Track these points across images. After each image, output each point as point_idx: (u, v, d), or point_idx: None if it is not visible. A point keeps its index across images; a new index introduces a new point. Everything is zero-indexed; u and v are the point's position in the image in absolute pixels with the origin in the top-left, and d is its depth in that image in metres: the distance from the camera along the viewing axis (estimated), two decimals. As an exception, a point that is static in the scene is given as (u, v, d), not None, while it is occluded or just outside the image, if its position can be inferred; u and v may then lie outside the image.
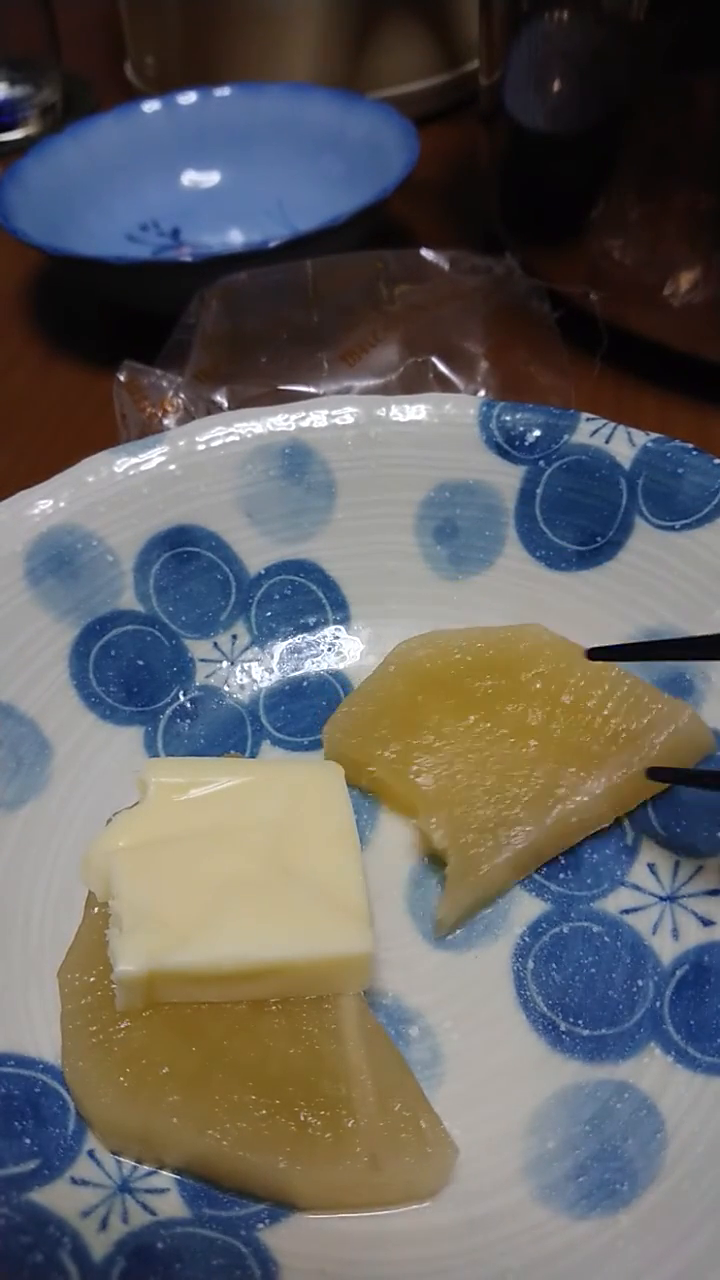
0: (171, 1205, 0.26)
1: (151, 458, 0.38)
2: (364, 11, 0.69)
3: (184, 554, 0.38)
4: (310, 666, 0.39)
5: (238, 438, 0.38)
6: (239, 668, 0.38)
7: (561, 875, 0.33)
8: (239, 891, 0.30)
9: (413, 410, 0.39)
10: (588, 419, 0.37)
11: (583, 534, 0.37)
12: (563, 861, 0.33)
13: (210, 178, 0.66)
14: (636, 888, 0.32)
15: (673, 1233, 0.25)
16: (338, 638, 0.39)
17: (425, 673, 0.35)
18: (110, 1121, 0.27)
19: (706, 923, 0.31)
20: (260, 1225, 0.26)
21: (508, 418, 0.38)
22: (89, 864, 0.31)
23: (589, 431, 0.37)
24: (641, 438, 0.37)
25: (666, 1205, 0.25)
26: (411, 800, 0.33)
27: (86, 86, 0.84)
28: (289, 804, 0.32)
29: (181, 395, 0.46)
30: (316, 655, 0.39)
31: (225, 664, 0.38)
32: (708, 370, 0.49)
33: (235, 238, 0.64)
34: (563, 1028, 0.30)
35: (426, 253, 0.50)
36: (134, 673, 0.37)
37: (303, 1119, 0.26)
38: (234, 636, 0.38)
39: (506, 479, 0.38)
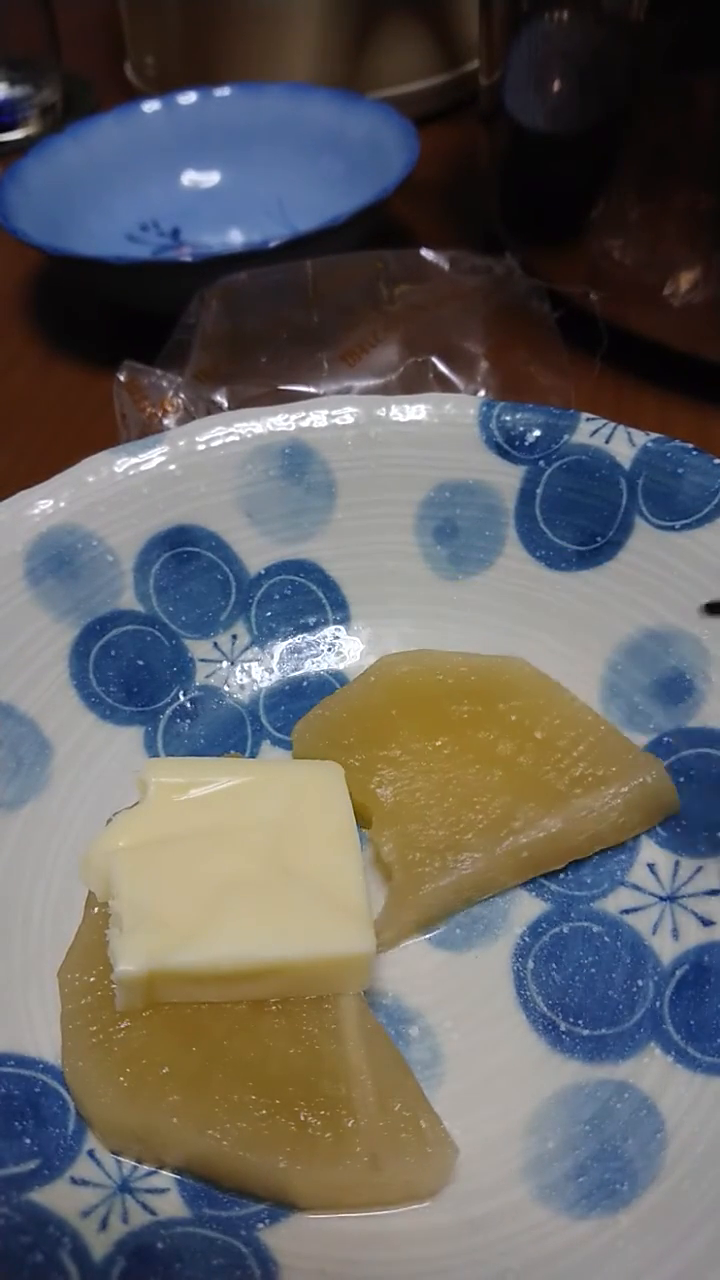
0: (171, 1205, 0.26)
1: (151, 458, 0.38)
2: (364, 11, 0.69)
3: (184, 554, 0.38)
4: (310, 666, 0.39)
5: (238, 438, 0.38)
6: (239, 668, 0.38)
7: (561, 875, 0.33)
8: (239, 891, 0.30)
9: (413, 410, 0.39)
10: (588, 419, 0.37)
11: (583, 534, 0.37)
12: (563, 861, 0.33)
13: (210, 178, 0.66)
14: (636, 888, 0.32)
15: (673, 1233, 0.25)
16: (338, 638, 0.39)
17: (405, 688, 0.35)
18: (110, 1121, 0.27)
19: (706, 923, 0.31)
20: (260, 1225, 0.26)
21: (508, 418, 0.38)
22: (89, 864, 0.31)
23: (589, 431, 0.37)
24: (641, 438, 0.37)
25: (666, 1205, 0.25)
26: (368, 811, 0.33)
27: (86, 86, 0.84)
28: (289, 804, 0.32)
29: (181, 395, 0.46)
30: (316, 655, 0.39)
31: (225, 664, 0.38)
32: (708, 370, 0.49)
33: (235, 238, 0.64)
34: (563, 1028, 0.30)
35: (426, 253, 0.50)
36: (134, 673, 0.37)
37: (303, 1119, 0.26)
38: (234, 636, 0.38)
39: (506, 479, 0.38)
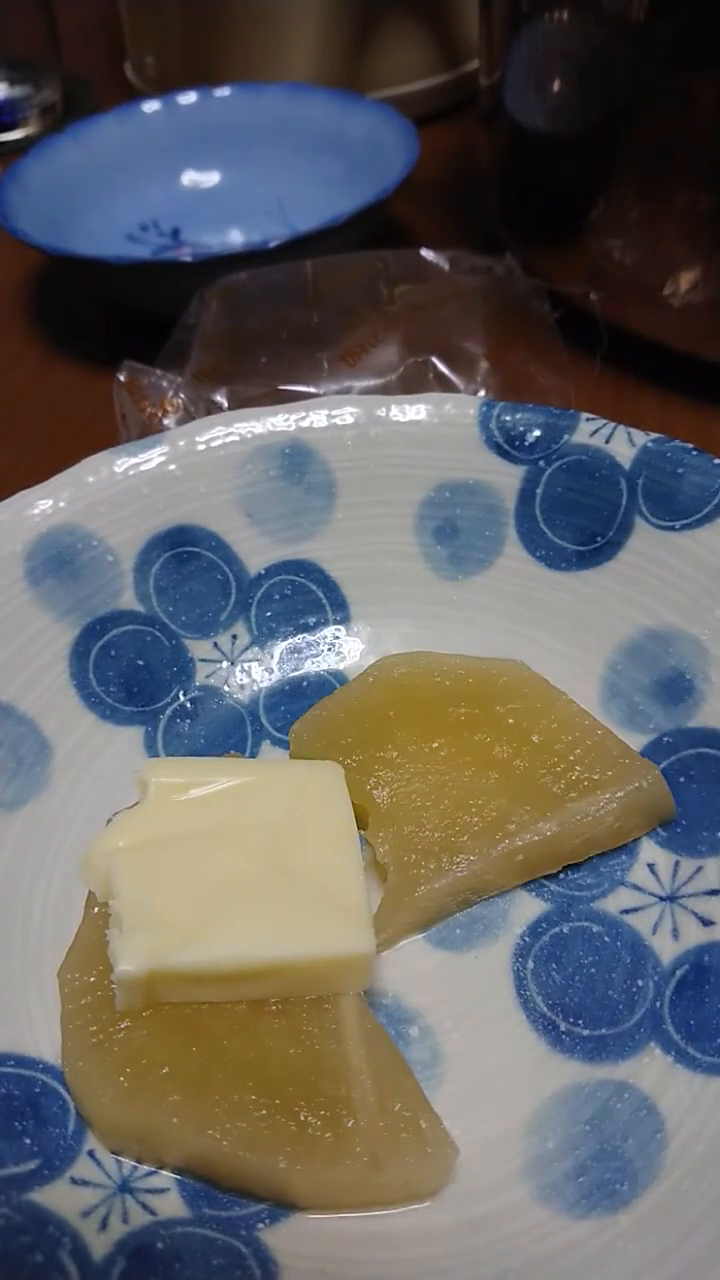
0: (171, 1205, 0.26)
1: (151, 458, 0.38)
2: (364, 11, 0.69)
3: (184, 554, 0.38)
4: (310, 666, 0.39)
5: (238, 438, 0.38)
6: (239, 668, 0.38)
7: (561, 875, 0.33)
8: (239, 891, 0.30)
9: (413, 410, 0.39)
10: (588, 419, 0.37)
11: (583, 534, 0.37)
12: (563, 861, 0.33)
13: (210, 178, 0.66)
14: (636, 888, 0.32)
15: (673, 1233, 0.25)
16: (338, 638, 0.39)
17: (403, 690, 0.35)
18: (110, 1121, 0.27)
19: (706, 923, 0.31)
20: (260, 1225, 0.26)
21: (508, 418, 0.38)
22: (89, 864, 0.31)
23: (589, 431, 0.37)
24: (641, 438, 0.37)
25: (666, 1205, 0.25)
26: (364, 811, 0.33)
27: (86, 86, 0.84)
28: (289, 804, 0.32)
29: (181, 395, 0.46)
30: (316, 655, 0.39)
31: (225, 664, 0.38)
32: (708, 370, 0.49)
33: (235, 238, 0.64)
34: (563, 1028, 0.30)
35: (426, 253, 0.50)
36: (134, 673, 0.37)
37: (303, 1119, 0.26)
38: (234, 636, 0.38)
39: (506, 479, 0.38)
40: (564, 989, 0.30)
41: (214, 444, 0.38)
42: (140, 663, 0.37)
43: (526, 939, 0.32)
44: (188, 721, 0.37)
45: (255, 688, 0.38)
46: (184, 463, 0.38)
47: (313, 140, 0.64)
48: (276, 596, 0.39)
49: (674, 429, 0.40)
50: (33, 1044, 0.29)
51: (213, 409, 0.46)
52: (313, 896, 0.30)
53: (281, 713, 0.38)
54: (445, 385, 0.47)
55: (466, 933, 0.32)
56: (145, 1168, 0.27)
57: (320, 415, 0.39)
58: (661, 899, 0.32)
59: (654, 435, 0.36)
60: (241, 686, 0.38)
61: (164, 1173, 0.27)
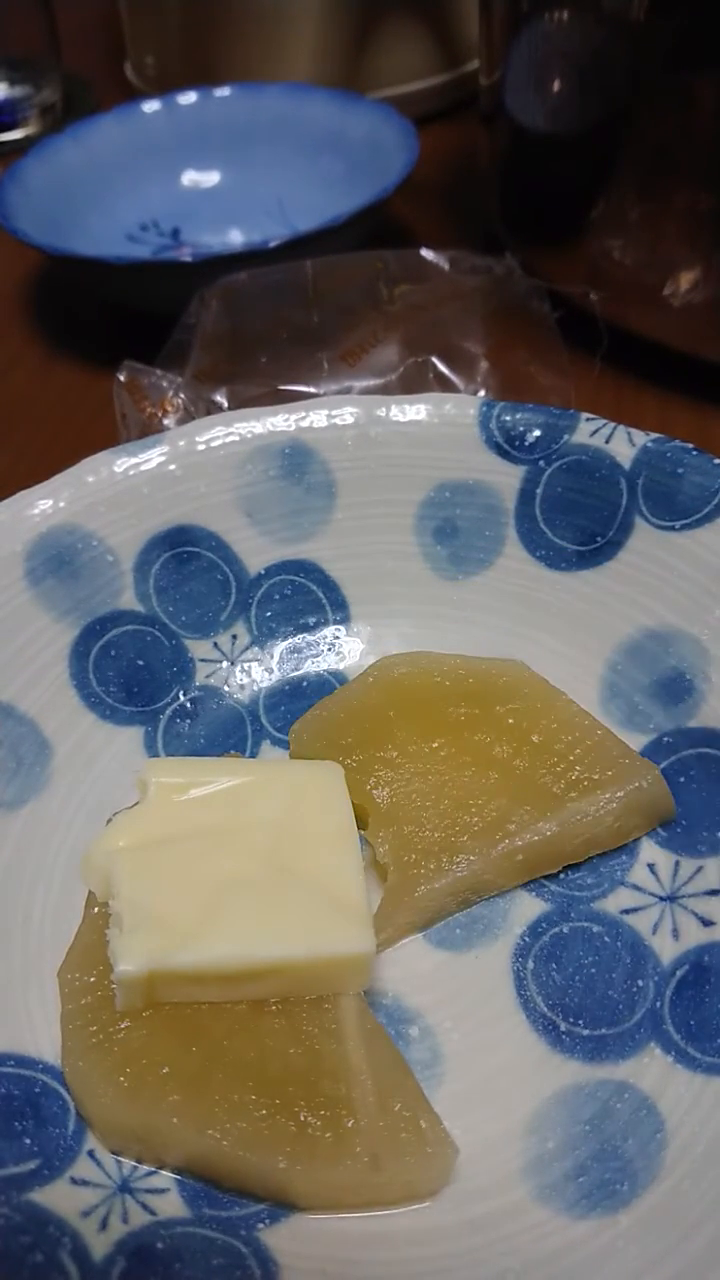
0: (171, 1205, 0.26)
1: (151, 458, 0.38)
2: (364, 12, 0.69)
3: (184, 554, 0.38)
4: (310, 666, 0.39)
5: (238, 438, 0.38)
6: (239, 668, 0.38)
7: (561, 875, 0.33)
8: (239, 891, 0.30)
9: (413, 410, 0.39)
10: (588, 419, 0.37)
11: (583, 534, 0.37)
12: (563, 861, 0.33)
13: (210, 178, 0.66)
14: (636, 888, 0.32)
15: (673, 1233, 0.25)
16: (338, 638, 0.39)
17: (403, 690, 0.35)
18: (110, 1121, 0.27)
19: (706, 923, 0.31)
20: (260, 1225, 0.26)
21: (508, 418, 0.38)
22: (89, 864, 0.31)
23: (589, 431, 0.37)
24: (641, 438, 0.37)
25: (666, 1205, 0.25)
26: (364, 811, 0.33)
27: (86, 86, 0.84)
28: (289, 804, 0.32)
29: (181, 395, 0.46)
30: (316, 655, 0.39)
31: (225, 664, 0.38)
32: (708, 370, 0.49)
33: (235, 238, 0.64)
34: (563, 1028, 0.30)
35: (426, 253, 0.50)
36: (134, 673, 0.37)
37: (303, 1119, 0.26)
38: (234, 636, 0.38)
39: (506, 479, 0.38)
40: (564, 989, 0.30)
41: (214, 444, 0.38)
42: (140, 663, 0.37)
43: (526, 939, 0.32)
44: (188, 721, 0.37)
45: (255, 688, 0.38)
46: (184, 463, 0.38)
47: (313, 140, 0.64)
48: (276, 596, 0.39)
49: (674, 429, 0.40)
50: (33, 1044, 0.29)
51: (213, 409, 0.46)
52: (313, 896, 0.30)
53: (281, 713, 0.38)
54: (445, 385, 0.47)
55: (466, 933, 0.32)
56: (145, 1168, 0.27)
57: (320, 415, 0.39)
58: (661, 899, 0.32)
59: (654, 435, 0.36)
60: (241, 686, 0.38)
61: (164, 1173, 0.27)
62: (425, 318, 0.48)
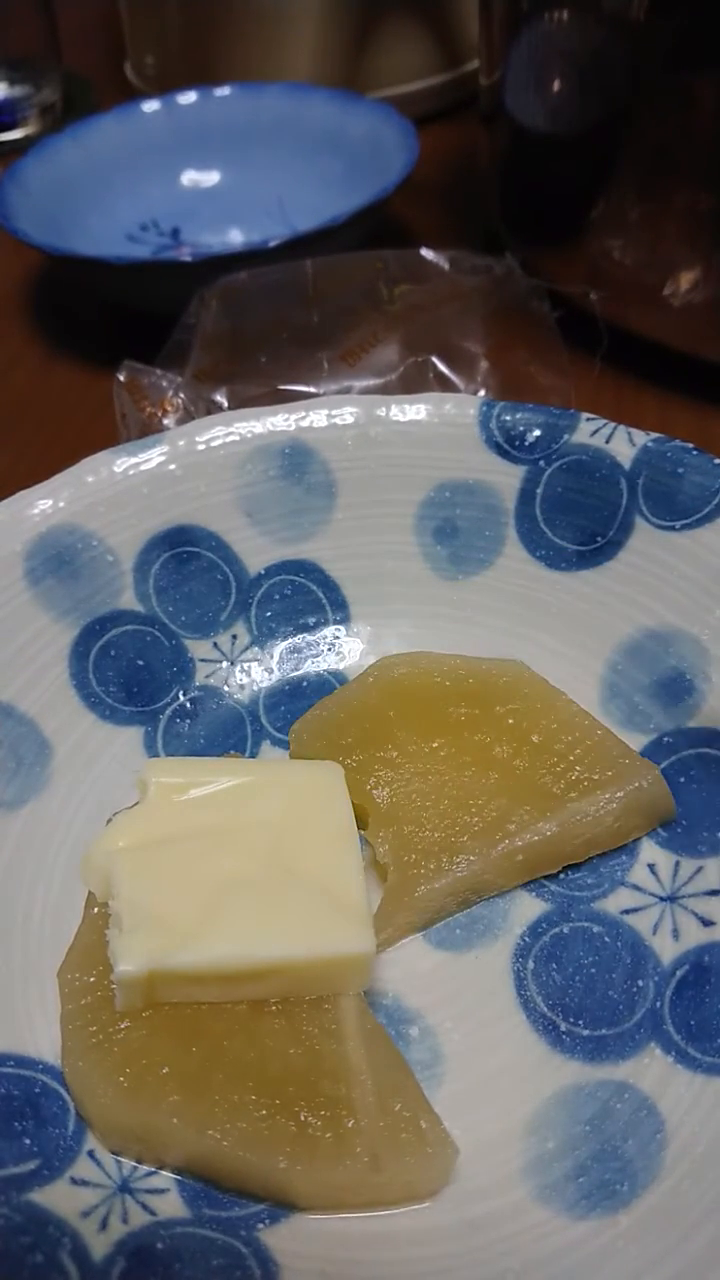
0: (171, 1205, 0.26)
1: (151, 458, 0.38)
2: (364, 11, 0.69)
3: (184, 554, 0.38)
4: (310, 666, 0.39)
5: (238, 438, 0.38)
6: (239, 668, 0.38)
7: (561, 875, 0.33)
8: (239, 891, 0.30)
9: (413, 410, 0.39)
10: (588, 419, 0.37)
11: (583, 534, 0.37)
12: (563, 861, 0.33)
13: (210, 178, 0.66)
14: (636, 888, 0.32)
15: (673, 1233, 0.25)
16: (338, 638, 0.39)
17: (403, 690, 0.35)
18: (110, 1121, 0.27)
19: (706, 923, 0.31)
20: (260, 1225, 0.26)
21: (508, 418, 0.38)
22: (89, 864, 0.31)
23: (589, 431, 0.37)
24: (641, 437, 0.37)
25: (666, 1205, 0.25)
26: (364, 811, 0.33)
27: (86, 86, 0.84)
28: (289, 804, 0.32)
29: (181, 395, 0.46)
30: (316, 655, 0.39)
31: (225, 664, 0.38)
32: (708, 370, 0.49)
33: (235, 238, 0.64)
34: (563, 1028, 0.30)
35: (426, 253, 0.50)
36: (134, 673, 0.37)
37: (303, 1119, 0.26)
38: (234, 636, 0.38)
39: (506, 479, 0.38)
40: (564, 989, 0.30)
41: (214, 444, 0.38)
42: (140, 663, 0.37)
43: (526, 939, 0.32)
44: (188, 721, 0.37)
45: (255, 688, 0.38)
46: (184, 463, 0.38)
47: (312, 140, 0.64)
48: (276, 596, 0.39)
49: (674, 429, 0.40)
50: (33, 1044, 0.29)
51: (213, 409, 0.46)
52: (313, 896, 0.30)
53: (281, 713, 0.38)
54: (445, 385, 0.47)
55: (466, 933, 0.32)
56: (145, 1168, 0.27)
57: (320, 415, 0.39)
58: (662, 899, 0.32)
59: (654, 435, 0.36)
60: (241, 686, 0.38)
61: (164, 1173, 0.27)
62: (425, 318, 0.48)
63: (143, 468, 0.38)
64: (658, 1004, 0.30)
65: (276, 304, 0.49)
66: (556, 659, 0.37)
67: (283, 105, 0.65)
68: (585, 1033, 0.29)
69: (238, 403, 0.46)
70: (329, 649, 0.39)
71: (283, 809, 0.32)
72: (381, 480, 0.39)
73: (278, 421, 0.39)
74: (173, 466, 0.38)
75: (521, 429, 0.38)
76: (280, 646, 0.39)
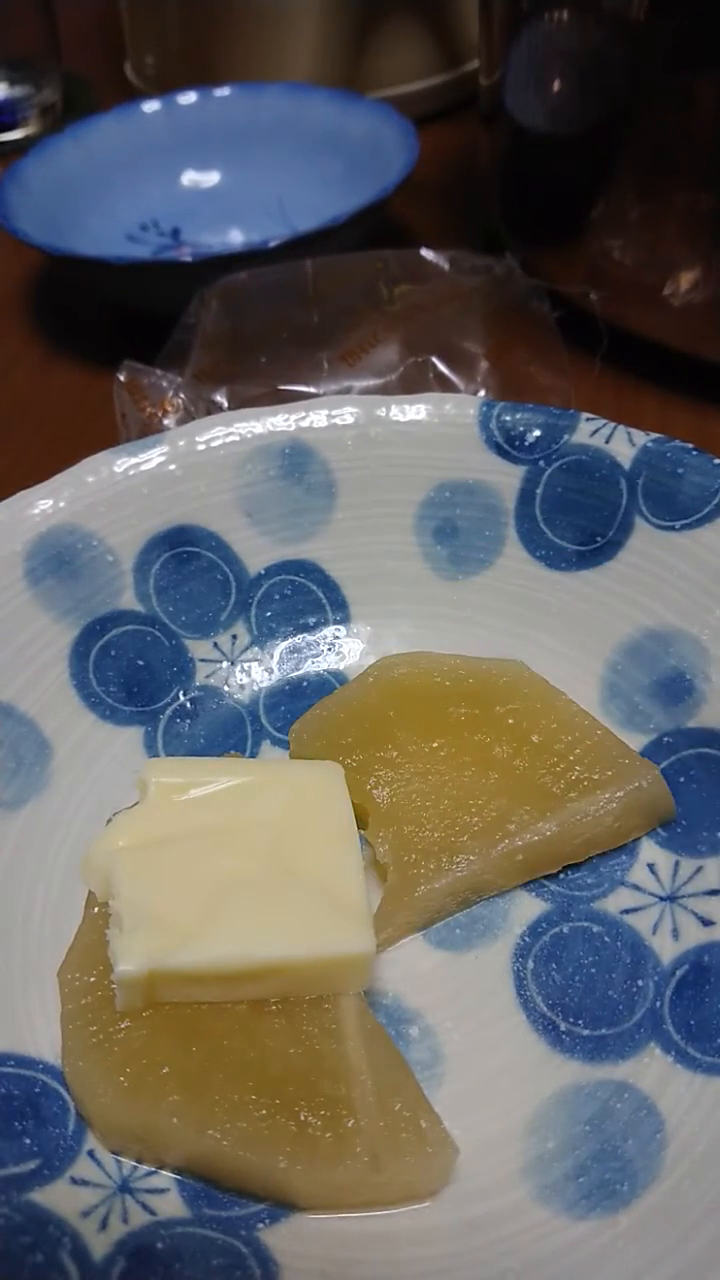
0: (171, 1205, 0.26)
1: (151, 458, 0.38)
2: (364, 12, 0.69)
3: (184, 554, 0.38)
4: (310, 666, 0.39)
5: (238, 438, 0.38)
6: (239, 668, 0.38)
7: (561, 875, 0.33)
8: (239, 891, 0.30)
9: (413, 410, 0.39)
10: (588, 419, 0.37)
11: (583, 534, 0.37)
12: (563, 861, 0.33)
13: (210, 178, 0.66)
14: (636, 888, 0.32)
15: (673, 1233, 0.25)
16: (338, 638, 0.39)
17: (402, 690, 0.35)
18: (110, 1121, 0.27)
19: (706, 923, 0.31)
20: (260, 1225, 0.26)
21: (508, 418, 0.38)
22: (89, 864, 0.31)
23: (589, 431, 0.37)
24: (641, 438, 0.37)
25: (666, 1205, 0.25)
26: (364, 811, 0.33)
27: (86, 86, 0.84)
28: (289, 804, 0.32)
29: (181, 395, 0.46)
30: (316, 655, 0.39)
31: (225, 664, 0.38)
32: (708, 370, 0.49)
33: (235, 238, 0.64)
34: (563, 1028, 0.30)
35: (426, 253, 0.50)
36: (134, 673, 0.37)
37: (303, 1119, 0.26)
38: (234, 636, 0.38)
39: (506, 479, 0.38)
40: (564, 989, 0.30)
41: (214, 444, 0.38)
42: (140, 663, 0.37)
43: (526, 939, 0.32)
44: (188, 721, 0.37)
45: (255, 688, 0.38)
46: (184, 463, 0.38)
47: (312, 140, 0.64)
48: (276, 596, 0.39)
49: (674, 429, 0.40)
50: (33, 1044, 0.29)
51: (213, 409, 0.46)
52: (313, 896, 0.30)
53: (281, 713, 0.38)
54: (445, 385, 0.47)
55: (466, 933, 0.32)
56: (145, 1168, 0.27)
57: (320, 415, 0.39)
58: (661, 899, 0.32)
59: (654, 435, 0.36)
60: (241, 686, 0.38)
61: (164, 1173, 0.27)
62: (425, 318, 0.48)
63: (143, 468, 0.38)
64: (657, 1004, 0.30)
65: (276, 304, 0.49)
66: (556, 659, 0.37)
67: (283, 105, 0.65)
68: (585, 1032, 0.29)
69: (238, 403, 0.46)
70: (329, 649, 0.39)
71: (283, 809, 0.32)
72: (381, 480, 0.39)
73: (278, 421, 0.39)
74: (173, 466, 0.38)
75: (521, 429, 0.38)
76: (280, 646, 0.39)
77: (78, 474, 0.37)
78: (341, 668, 0.39)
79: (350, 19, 0.69)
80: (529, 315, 0.48)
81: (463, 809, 0.33)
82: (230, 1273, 0.25)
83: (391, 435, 0.39)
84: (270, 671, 0.38)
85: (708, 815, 0.33)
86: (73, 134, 0.62)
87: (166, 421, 0.45)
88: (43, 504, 0.36)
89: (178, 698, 0.37)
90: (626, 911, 0.32)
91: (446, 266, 0.50)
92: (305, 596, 0.39)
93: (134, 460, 0.38)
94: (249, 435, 0.39)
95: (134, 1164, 0.27)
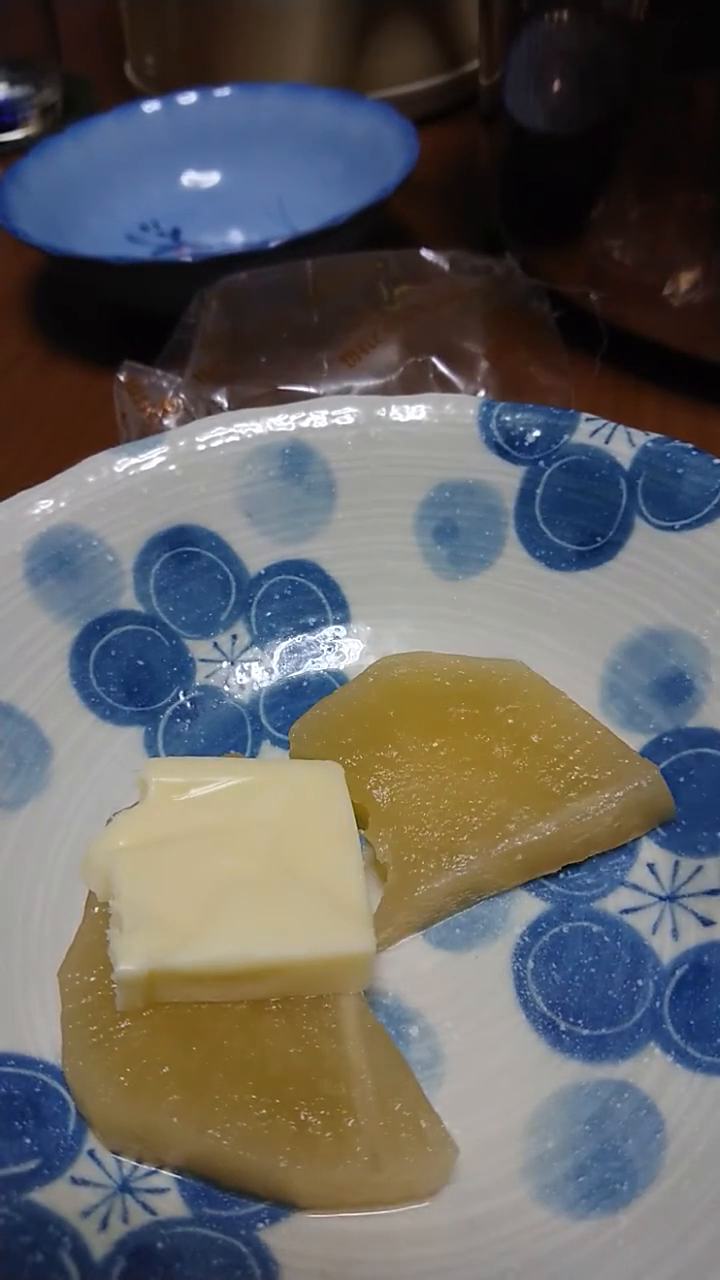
0: (171, 1205, 0.26)
1: (151, 458, 0.38)
2: (364, 12, 0.69)
3: (184, 554, 0.38)
4: (310, 666, 0.39)
5: (238, 438, 0.38)
6: (239, 668, 0.38)
7: (561, 875, 0.33)
8: (239, 891, 0.30)
9: (413, 410, 0.39)
10: (587, 419, 0.37)
11: (583, 534, 0.37)
12: (562, 861, 0.33)
13: (210, 178, 0.66)
14: (636, 888, 0.32)
15: (673, 1232, 0.25)
16: (338, 638, 0.39)
17: (402, 690, 0.35)
18: (110, 1121, 0.27)
19: (706, 923, 0.31)
20: (260, 1225, 0.26)
21: (508, 418, 0.38)
22: (89, 864, 0.31)
23: (589, 431, 0.37)
24: (641, 438, 0.37)
25: (666, 1205, 0.25)
26: (364, 811, 0.33)
27: (86, 86, 0.84)
28: (289, 804, 0.32)
29: (181, 395, 0.46)
30: (316, 655, 0.39)
31: (225, 664, 0.38)
32: (708, 370, 0.49)
33: (235, 238, 0.64)
34: (563, 1028, 0.30)
35: (426, 253, 0.50)
36: (134, 673, 0.37)
37: (303, 1118, 0.26)
38: (234, 636, 0.39)
39: (506, 479, 0.38)
40: (564, 989, 0.30)
41: (214, 444, 0.38)
42: (140, 663, 0.37)
43: (526, 939, 0.32)
44: (188, 721, 0.37)
45: (255, 688, 0.38)
46: (184, 463, 0.38)
47: (313, 140, 0.64)
48: (276, 596, 0.39)
49: (674, 429, 0.40)
50: (33, 1044, 0.29)
51: (213, 409, 0.46)
52: (313, 896, 0.30)
53: (281, 713, 0.38)
54: (445, 385, 0.47)
55: (466, 933, 0.32)
56: (145, 1167, 0.27)
57: (320, 415, 0.39)
58: (661, 899, 0.32)
59: (654, 435, 0.36)
60: (241, 686, 0.38)
61: (164, 1172, 0.27)
62: (425, 318, 0.48)
63: (143, 468, 0.38)
64: (657, 1004, 0.30)
65: (276, 304, 0.49)
66: (556, 659, 0.37)
67: (283, 105, 0.65)
68: (585, 1032, 0.29)
69: (238, 403, 0.46)
70: (329, 649, 0.39)
71: (283, 809, 0.32)
72: (381, 480, 0.39)
73: (278, 422, 0.39)
74: (173, 467, 0.38)
75: (521, 429, 0.38)
76: (280, 646, 0.39)
77: (78, 474, 0.37)
78: (341, 668, 0.39)
79: (350, 19, 0.69)
80: (529, 315, 0.48)
81: (463, 809, 0.33)
82: (230, 1272, 0.25)
83: (391, 435, 0.39)
84: (270, 671, 0.38)
85: (707, 815, 0.33)
86: (73, 134, 0.62)
87: (166, 421, 0.45)
88: (43, 504, 0.36)
89: (178, 698, 0.37)
90: (626, 911, 0.32)
91: (446, 266, 0.50)
92: (305, 596, 0.39)
93: (134, 460, 0.38)
94: (249, 435, 0.39)
95: (134, 1164, 0.27)
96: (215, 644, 0.38)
